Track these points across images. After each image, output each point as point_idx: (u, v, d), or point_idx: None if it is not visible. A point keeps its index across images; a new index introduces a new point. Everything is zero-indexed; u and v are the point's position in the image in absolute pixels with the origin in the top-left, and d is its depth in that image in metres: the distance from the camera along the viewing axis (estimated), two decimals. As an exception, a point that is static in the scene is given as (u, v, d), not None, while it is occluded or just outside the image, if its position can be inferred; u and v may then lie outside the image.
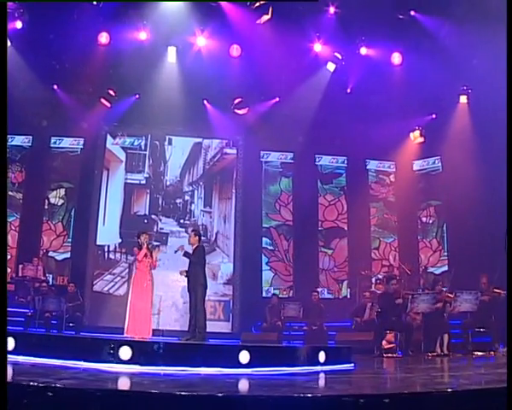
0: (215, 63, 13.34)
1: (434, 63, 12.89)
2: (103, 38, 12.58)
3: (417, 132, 14.89)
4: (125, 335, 9.97)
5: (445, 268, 14.37)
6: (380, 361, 9.67)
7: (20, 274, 13.00)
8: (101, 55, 12.83)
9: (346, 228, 15.08)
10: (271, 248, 14.81)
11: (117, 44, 12.68)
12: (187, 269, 10.17)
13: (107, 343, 6.45)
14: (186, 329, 13.15)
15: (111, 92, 14.01)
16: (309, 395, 3.92)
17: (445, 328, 10.66)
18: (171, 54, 13.02)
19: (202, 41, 13.03)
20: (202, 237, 13.83)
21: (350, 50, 13.40)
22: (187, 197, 14.58)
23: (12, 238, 13.85)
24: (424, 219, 14.94)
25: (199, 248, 10.33)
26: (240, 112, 14.57)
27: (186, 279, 10.33)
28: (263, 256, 14.80)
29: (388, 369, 8.18)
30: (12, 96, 12.55)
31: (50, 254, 13.97)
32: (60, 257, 13.98)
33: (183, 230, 14.23)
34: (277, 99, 14.57)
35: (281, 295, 14.27)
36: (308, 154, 15.33)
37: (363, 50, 13.33)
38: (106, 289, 13.60)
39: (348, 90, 14.25)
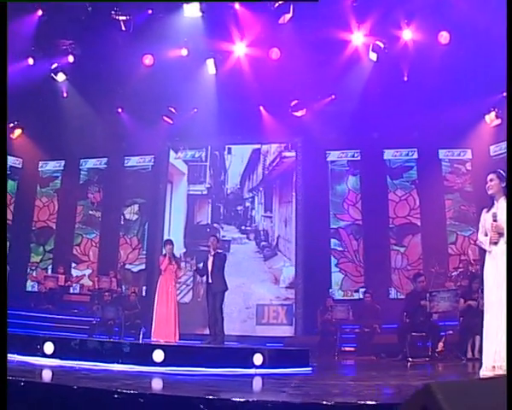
0: (259, 69, 13.71)
1: (485, 35, 11.88)
2: (147, 59, 13.49)
3: (493, 114, 13.91)
4: (151, 338, 10.60)
5: (530, 261, 12.95)
6: (386, 366, 9.13)
7: (96, 286, 14.32)
8: (149, 76, 13.66)
9: (418, 223, 14.51)
10: (340, 249, 14.64)
11: (161, 64, 13.53)
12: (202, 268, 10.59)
13: (35, 339, 7.09)
14: (247, 334, 13.70)
15: (172, 109, 14.85)
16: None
17: (477, 329, 9.70)
18: (211, 66, 13.47)
19: (241, 48, 13.30)
20: (264, 243, 14.29)
21: (391, 36, 12.82)
22: (247, 204, 15.13)
23: (93, 254, 15.37)
24: (505, 208, 13.59)
25: (219, 253, 10.67)
26: (298, 114, 14.73)
27: (206, 284, 10.72)
28: (332, 258, 14.53)
29: (356, 375, 7.82)
30: (83, 124, 14.14)
31: (127, 266, 15.31)
32: (135, 269, 15.19)
33: (245, 236, 14.81)
34: (333, 96, 14.40)
35: (351, 297, 13.97)
36: (375, 149, 15.05)
37: (407, 34, 12.64)
38: (172, 297, 14.36)
39: (405, 78, 13.58)
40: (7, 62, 5.80)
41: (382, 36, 13.06)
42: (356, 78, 13.62)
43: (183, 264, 14.87)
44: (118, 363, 6.80)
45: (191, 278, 14.60)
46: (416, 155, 14.84)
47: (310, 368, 7.64)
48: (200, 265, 11.08)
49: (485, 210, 6.10)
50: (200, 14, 12.19)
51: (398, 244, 14.54)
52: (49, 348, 7.06)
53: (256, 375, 6.90)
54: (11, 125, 15.02)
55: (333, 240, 14.81)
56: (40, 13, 11.78)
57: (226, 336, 13.67)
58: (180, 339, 10.78)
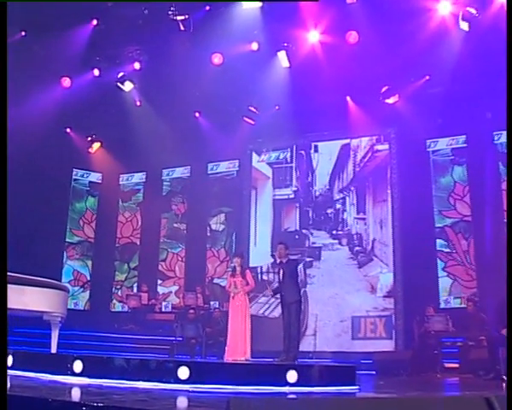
0: (338, 56, 13.70)
1: None
2: (217, 58, 13.98)
3: None
4: (225, 358, 11.07)
5: None
6: (475, 386, 8.89)
7: (181, 304, 15.07)
8: (221, 75, 14.12)
9: (541, 216, 13.56)
10: (447, 250, 14.22)
11: (231, 61, 13.94)
12: (277, 286, 10.88)
13: (64, 358, 7.85)
14: (342, 350, 13.81)
15: (252, 109, 15.32)
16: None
17: None
18: (283, 58, 13.70)
19: (314, 36, 13.48)
20: (357, 248, 14.34)
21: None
22: (338, 206, 15.11)
23: (179, 269, 16.14)
24: None
25: (289, 261, 10.92)
26: (389, 101, 14.54)
27: (280, 296, 10.97)
28: (438, 261, 14.20)
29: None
30: (160, 132, 15.04)
31: (215, 280, 15.82)
32: (224, 283, 15.62)
33: (337, 241, 14.81)
34: (427, 77, 14.11)
35: (463, 305, 13.59)
36: (484, 133, 14.41)
37: (502, -5, 12.18)
38: (261, 311, 14.84)
39: (514, 47, 13.00)
40: (7, 62, 6.38)
41: (472, 1, 12.64)
42: (448, 53, 13.14)
43: (271, 275, 15.27)
44: (143, 380, 7.28)
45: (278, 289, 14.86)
46: (533, 136, 14.06)
47: (356, 387, 7.64)
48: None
49: None
50: (260, 4, 12.53)
51: (517, 242, 13.86)
52: (77, 366, 7.72)
53: (289, 393, 7.08)
54: (89, 138, 16.26)
55: (438, 240, 14.26)
56: (95, 22, 12.75)
57: (320, 352, 13.96)
58: (252, 356, 11.12)
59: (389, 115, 14.61)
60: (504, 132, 14.32)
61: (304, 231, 15.26)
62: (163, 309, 15.90)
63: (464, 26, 12.69)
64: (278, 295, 14.61)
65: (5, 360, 5.08)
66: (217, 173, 16.49)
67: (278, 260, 10.77)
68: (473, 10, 12.59)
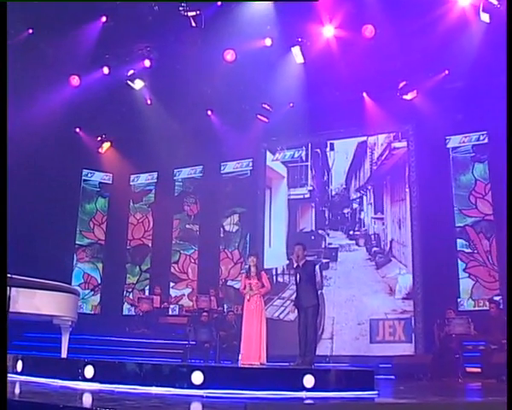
0: (354, 50, 13.62)
1: None
2: (229, 55, 13.94)
3: None
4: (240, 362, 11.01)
5: None
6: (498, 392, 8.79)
7: (194, 306, 15.05)
8: (234, 72, 14.11)
9: None
10: (469, 250, 14.10)
11: (244, 58, 13.92)
12: (296, 289, 10.78)
13: (75, 363, 7.83)
14: (360, 354, 13.75)
15: (266, 106, 15.29)
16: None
17: None
18: (298, 54, 13.66)
19: (329, 30, 13.41)
20: (375, 248, 14.26)
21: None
22: (355, 205, 15.08)
23: (192, 271, 16.15)
24: None
25: (306, 263, 10.82)
26: (407, 97, 14.46)
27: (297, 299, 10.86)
28: (459, 261, 14.08)
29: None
30: (172, 131, 15.05)
31: (229, 283, 15.83)
32: (238, 285, 15.59)
33: (354, 242, 14.77)
34: (446, 72, 14.02)
35: (485, 307, 13.48)
36: (505, 129, 14.13)
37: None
38: (276, 314, 14.81)
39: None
40: (7, 62, 6.36)
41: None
42: (468, 46, 13.01)
43: (286, 277, 15.25)
44: (156, 386, 7.26)
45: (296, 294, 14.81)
46: (558, 131, 13.94)
47: (375, 392, 7.59)
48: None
49: None
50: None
51: (542, 241, 13.72)
52: (89, 371, 7.70)
53: (306, 398, 7.03)
54: (98, 138, 16.31)
55: (459, 240, 14.14)
56: (104, 19, 12.76)
57: (337, 356, 13.89)
58: (267, 361, 11.04)
59: (407, 112, 14.54)
60: (527, 128, 14.24)
61: (320, 231, 15.24)
62: (170, 312, 15.95)
63: (485, 17, 12.56)
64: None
65: (5, 361, 5.07)
66: (230, 173, 16.50)
67: (295, 264, 10.63)
68: (494, 1, 12.47)
